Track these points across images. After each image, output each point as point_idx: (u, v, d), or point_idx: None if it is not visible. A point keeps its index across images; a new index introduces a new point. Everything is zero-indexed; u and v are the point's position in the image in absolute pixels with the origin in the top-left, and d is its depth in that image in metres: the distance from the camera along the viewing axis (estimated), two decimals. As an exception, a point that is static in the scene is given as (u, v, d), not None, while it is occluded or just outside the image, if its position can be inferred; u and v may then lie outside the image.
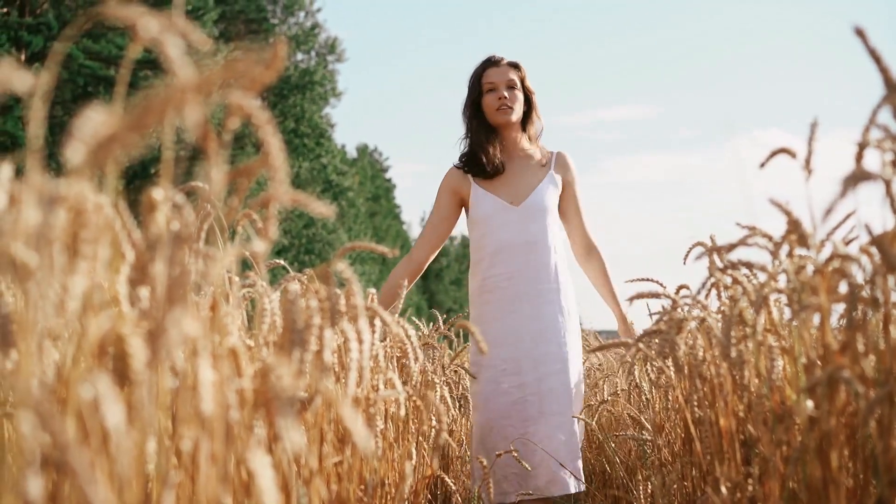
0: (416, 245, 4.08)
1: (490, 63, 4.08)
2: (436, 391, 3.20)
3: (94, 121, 0.97)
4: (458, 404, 4.77)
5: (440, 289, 70.36)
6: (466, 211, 4.12)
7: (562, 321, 3.98)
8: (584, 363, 4.58)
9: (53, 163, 18.95)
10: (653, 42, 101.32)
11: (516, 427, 3.83)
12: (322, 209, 1.46)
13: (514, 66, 4.07)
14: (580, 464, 3.91)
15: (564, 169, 4.16)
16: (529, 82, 4.10)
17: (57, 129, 22.41)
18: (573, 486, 3.84)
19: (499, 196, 4.01)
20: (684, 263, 2.75)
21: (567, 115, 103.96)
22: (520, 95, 4.05)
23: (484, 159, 4.01)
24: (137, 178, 24.53)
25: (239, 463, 1.55)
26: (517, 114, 4.04)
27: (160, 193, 1.38)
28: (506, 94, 4.00)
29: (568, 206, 4.15)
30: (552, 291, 3.98)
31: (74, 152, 0.97)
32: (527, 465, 3.66)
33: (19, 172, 1.27)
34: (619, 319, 4.21)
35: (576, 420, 3.86)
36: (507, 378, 3.87)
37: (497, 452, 3.71)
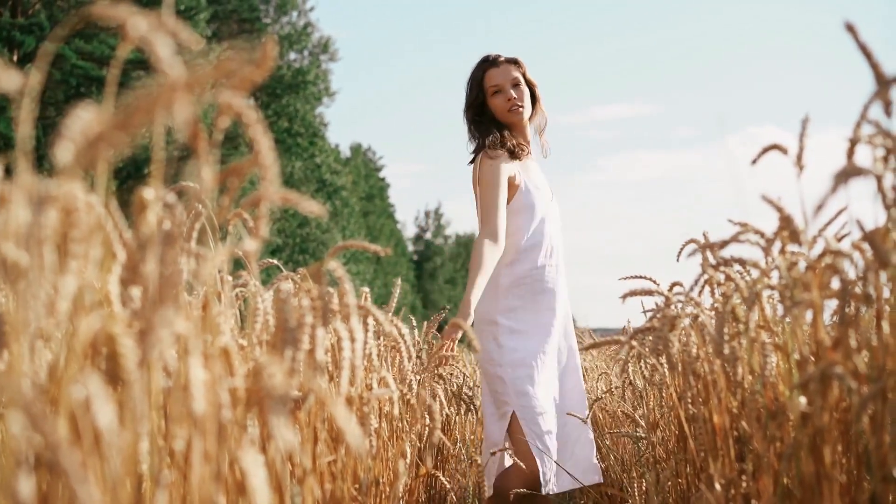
0: (498, 229, 3.83)
1: (489, 64, 4.03)
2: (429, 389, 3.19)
3: (84, 120, 0.97)
4: (454, 401, 4.73)
5: (434, 288, 70.41)
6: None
7: None
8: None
9: (47, 164, 18.94)
10: (649, 41, 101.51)
11: (559, 415, 3.89)
12: (314, 208, 1.46)
13: (514, 62, 4.02)
14: None
15: None
16: (530, 75, 4.06)
17: (50, 130, 22.39)
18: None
19: (543, 192, 4.02)
20: (677, 260, 2.75)
21: (564, 114, 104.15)
22: (526, 91, 4.00)
23: (514, 148, 3.96)
24: (130, 179, 24.51)
25: (232, 462, 1.55)
26: (528, 111, 4.02)
27: (151, 193, 1.38)
28: (513, 93, 3.96)
29: None
30: (552, 285, 4.04)
31: (63, 151, 0.96)
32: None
33: (12, 173, 1.27)
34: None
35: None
36: (558, 366, 3.97)
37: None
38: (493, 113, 4.01)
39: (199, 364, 1.35)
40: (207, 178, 1.26)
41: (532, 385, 3.82)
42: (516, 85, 3.98)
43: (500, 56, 4.03)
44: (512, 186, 3.95)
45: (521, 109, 3.97)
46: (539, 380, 3.84)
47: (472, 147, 4.10)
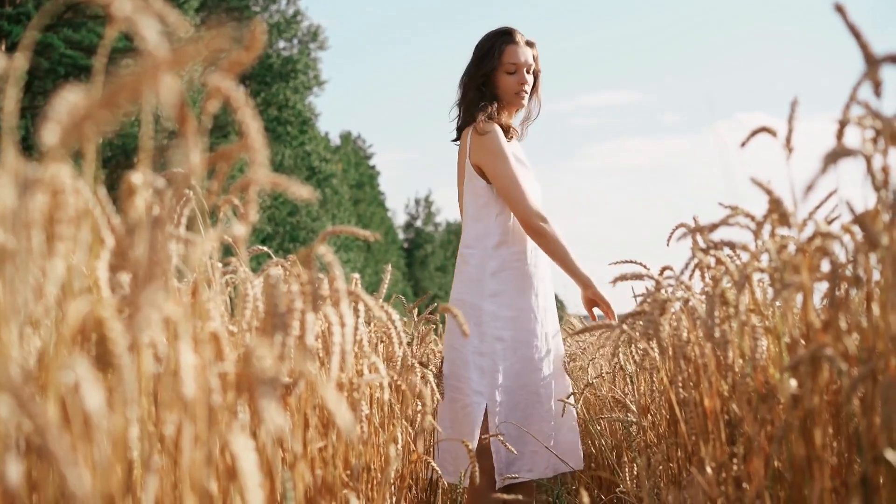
0: (533, 205, 3.79)
1: (510, 39, 3.90)
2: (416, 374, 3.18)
3: (69, 101, 0.96)
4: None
5: (425, 275, 70.49)
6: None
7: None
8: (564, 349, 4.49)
9: (36, 153, 18.94)
10: (636, 27, 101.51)
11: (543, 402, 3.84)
12: (303, 193, 1.45)
13: (531, 45, 3.94)
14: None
15: None
16: (539, 62, 4.00)
17: (39, 120, 22.38)
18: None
19: (528, 169, 3.97)
20: (667, 245, 2.75)
21: (551, 102, 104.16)
22: (531, 78, 3.93)
23: (506, 128, 3.90)
24: (119, 167, 24.48)
25: (223, 447, 1.54)
26: (528, 99, 3.95)
27: (139, 178, 1.37)
28: (527, 77, 3.89)
29: None
30: (536, 267, 3.94)
31: (49, 133, 0.96)
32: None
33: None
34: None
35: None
36: (537, 352, 3.87)
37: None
38: (497, 87, 3.91)
39: (189, 349, 1.34)
40: (196, 163, 1.26)
41: (503, 376, 3.79)
42: (529, 71, 3.91)
43: (521, 34, 3.93)
44: None
45: (526, 95, 3.91)
46: (514, 370, 3.81)
47: (456, 113, 4.03)
